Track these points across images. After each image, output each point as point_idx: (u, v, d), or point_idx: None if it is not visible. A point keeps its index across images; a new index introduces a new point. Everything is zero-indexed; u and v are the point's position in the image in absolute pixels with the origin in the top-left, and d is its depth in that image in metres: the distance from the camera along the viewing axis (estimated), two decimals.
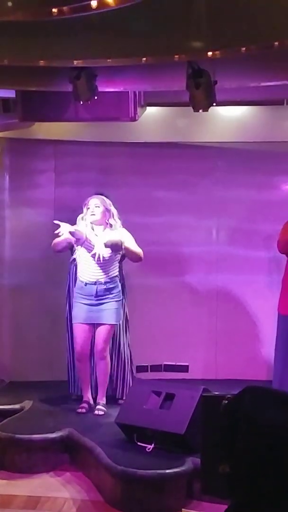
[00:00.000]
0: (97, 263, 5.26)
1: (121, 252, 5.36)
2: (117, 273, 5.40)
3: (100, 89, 4.48)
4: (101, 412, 5.25)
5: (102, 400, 5.35)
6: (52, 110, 5.13)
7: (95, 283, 5.26)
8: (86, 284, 5.28)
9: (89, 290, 5.28)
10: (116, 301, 5.35)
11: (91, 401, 5.37)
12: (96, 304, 5.27)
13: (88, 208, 5.36)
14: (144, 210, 6.17)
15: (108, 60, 3.80)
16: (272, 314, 5.47)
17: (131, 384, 5.49)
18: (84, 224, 5.33)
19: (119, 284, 5.40)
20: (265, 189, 6.27)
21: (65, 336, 5.78)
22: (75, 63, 3.93)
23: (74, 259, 5.50)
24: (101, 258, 5.21)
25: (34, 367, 6.20)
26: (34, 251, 6.16)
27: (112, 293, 5.33)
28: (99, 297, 5.27)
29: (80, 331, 5.31)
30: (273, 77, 4.33)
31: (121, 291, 5.42)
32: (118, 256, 5.40)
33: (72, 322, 5.42)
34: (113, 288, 5.33)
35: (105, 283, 5.28)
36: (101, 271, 5.27)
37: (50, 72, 4.30)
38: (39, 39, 3.73)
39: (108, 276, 5.30)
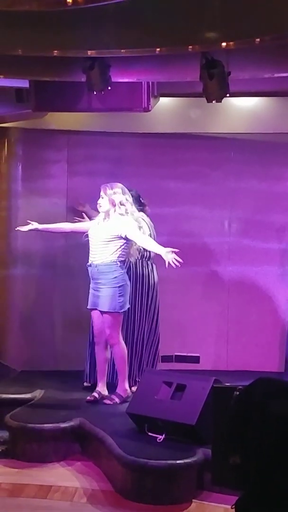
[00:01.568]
0: (95, 246, 5.32)
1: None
2: (116, 259, 5.27)
3: (114, 79, 4.47)
4: (110, 402, 5.25)
5: (102, 389, 5.36)
6: (66, 100, 5.13)
7: (93, 265, 5.31)
8: (88, 265, 5.35)
9: (90, 272, 5.35)
10: (111, 287, 5.26)
11: (104, 392, 5.37)
12: (96, 289, 5.32)
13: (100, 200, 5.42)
14: (156, 201, 6.16)
15: (122, 51, 3.81)
16: (284, 305, 5.46)
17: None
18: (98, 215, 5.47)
19: (120, 271, 5.28)
20: (277, 181, 6.25)
21: (79, 324, 5.83)
22: (89, 53, 3.94)
23: None
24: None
25: (46, 357, 6.23)
26: (47, 241, 6.17)
27: (106, 279, 5.27)
28: (94, 280, 5.31)
29: (94, 316, 5.38)
30: (287, 68, 4.31)
31: (122, 278, 5.29)
32: (122, 242, 5.29)
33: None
34: (108, 273, 5.26)
35: (97, 266, 5.28)
36: (96, 253, 5.31)
37: (64, 63, 4.31)
38: (53, 29, 3.74)
39: (103, 259, 5.27)
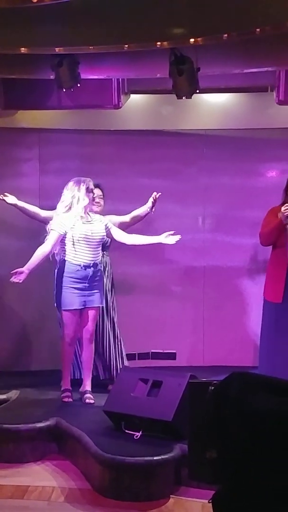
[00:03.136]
0: (91, 246, 5.24)
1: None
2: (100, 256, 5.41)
3: (83, 76, 4.47)
4: (92, 401, 5.24)
5: (89, 387, 5.36)
6: (35, 98, 5.11)
7: (90, 266, 5.23)
8: (83, 266, 5.22)
9: (84, 273, 5.23)
10: (102, 282, 5.38)
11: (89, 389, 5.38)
12: (87, 288, 5.24)
13: (91, 192, 5.30)
14: (130, 198, 6.14)
15: (90, 47, 3.80)
16: (258, 300, 5.49)
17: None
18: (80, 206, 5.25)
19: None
20: (250, 176, 6.28)
21: (54, 324, 5.80)
22: (56, 50, 3.92)
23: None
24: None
25: (20, 357, 6.19)
26: (19, 240, 6.13)
27: (99, 275, 5.34)
28: (92, 279, 5.26)
29: (71, 317, 5.26)
30: (256, 63, 4.34)
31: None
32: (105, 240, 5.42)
33: (62, 309, 5.31)
34: (100, 270, 5.36)
35: (98, 264, 5.29)
36: (95, 253, 5.27)
37: (32, 60, 4.29)
38: (19, 26, 3.72)
39: (99, 258, 5.32)
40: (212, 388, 2.98)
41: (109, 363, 5.71)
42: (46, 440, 4.81)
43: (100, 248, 5.33)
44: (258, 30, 3.37)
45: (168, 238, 5.30)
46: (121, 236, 5.38)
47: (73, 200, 5.24)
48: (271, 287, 5.29)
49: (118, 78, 5.14)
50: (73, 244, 5.20)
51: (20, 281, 5.02)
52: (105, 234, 5.32)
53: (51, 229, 5.20)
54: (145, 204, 5.52)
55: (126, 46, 3.66)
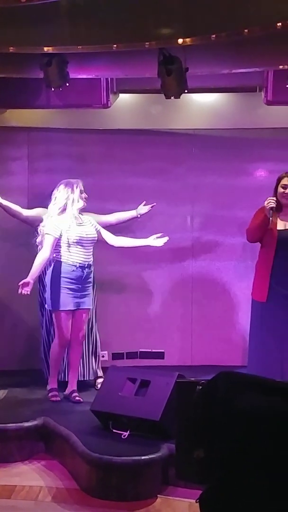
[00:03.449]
0: (85, 247, 5.25)
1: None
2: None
3: (72, 75, 4.46)
4: (80, 398, 5.25)
5: (75, 387, 5.36)
6: (24, 97, 5.11)
7: (85, 267, 5.25)
8: (78, 266, 5.22)
9: (79, 273, 5.23)
10: (92, 285, 5.39)
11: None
12: (80, 290, 5.25)
13: (86, 195, 5.33)
14: (119, 197, 6.16)
15: (79, 47, 3.80)
16: (247, 300, 5.50)
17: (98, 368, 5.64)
18: (75, 207, 5.26)
19: None
20: (239, 176, 6.29)
21: (37, 324, 5.79)
22: (45, 50, 3.92)
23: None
24: None
25: (7, 356, 6.17)
26: (7, 240, 6.12)
27: (91, 277, 5.36)
28: (84, 281, 5.26)
29: (65, 318, 5.25)
30: (244, 64, 4.35)
31: None
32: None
33: (59, 309, 5.28)
34: (92, 272, 5.37)
35: (91, 265, 5.32)
36: (88, 254, 5.29)
37: (21, 59, 4.28)
38: (8, 26, 3.71)
39: (91, 259, 5.33)
40: (200, 387, 2.99)
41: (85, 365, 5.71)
42: (34, 440, 4.81)
43: (92, 249, 5.35)
44: (246, 30, 3.38)
45: (156, 241, 5.40)
46: (109, 238, 5.42)
47: (67, 202, 5.25)
48: (257, 287, 5.32)
49: (107, 77, 5.14)
50: (69, 246, 5.21)
51: (28, 293, 4.99)
52: (96, 235, 5.34)
53: (46, 233, 5.19)
54: (134, 209, 5.60)
55: (115, 46, 3.66)
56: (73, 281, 5.21)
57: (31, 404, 5.24)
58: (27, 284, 4.95)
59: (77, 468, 4.41)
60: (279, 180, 5.21)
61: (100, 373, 5.73)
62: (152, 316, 6.35)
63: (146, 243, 5.42)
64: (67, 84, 4.45)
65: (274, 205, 5.04)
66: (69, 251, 5.21)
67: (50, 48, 3.88)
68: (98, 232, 5.37)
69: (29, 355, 6.13)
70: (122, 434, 4.50)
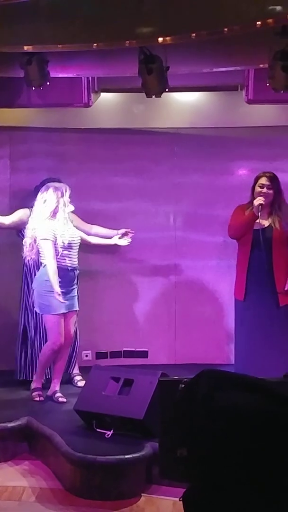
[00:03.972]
0: (74, 249, 5.29)
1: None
2: None
3: (53, 74, 4.45)
4: (64, 399, 5.24)
5: (58, 387, 5.35)
6: (4, 96, 5.08)
7: (75, 269, 5.30)
8: (69, 269, 5.25)
9: (71, 276, 5.27)
10: (77, 286, 5.40)
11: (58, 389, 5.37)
12: (69, 292, 5.25)
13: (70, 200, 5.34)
14: (101, 197, 6.15)
15: (59, 46, 3.78)
16: (231, 298, 5.53)
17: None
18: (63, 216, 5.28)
19: None
20: (221, 174, 6.30)
21: (15, 323, 5.77)
22: (25, 49, 3.90)
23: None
24: None
25: None
26: None
27: (77, 279, 5.38)
28: (71, 282, 5.28)
29: (58, 321, 5.22)
30: (225, 63, 4.36)
31: None
32: None
33: (47, 314, 5.26)
34: (78, 274, 5.39)
35: (76, 269, 5.34)
36: (76, 257, 5.33)
37: (1, 58, 4.26)
38: None
39: (77, 262, 5.36)
40: (183, 386, 2.99)
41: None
42: (17, 440, 4.80)
43: (78, 251, 5.37)
44: (226, 29, 3.39)
45: (122, 240, 5.59)
46: (85, 232, 5.57)
47: (58, 205, 5.24)
48: (236, 285, 5.38)
49: (88, 76, 5.13)
50: (63, 250, 5.21)
51: (67, 302, 5.17)
52: (80, 237, 5.39)
53: (44, 239, 5.19)
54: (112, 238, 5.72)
55: (95, 44, 3.66)
56: (64, 283, 5.22)
57: (14, 404, 5.22)
58: (58, 294, 5.09)
59: (60, 468, 4.41)
60: (256, 179, 5.27)
61: (76, 370, 5.73)
62: (135, 315, 6.35)
63: (113, 242, 5.69)
64: (48, 83, 4.44)
65: (263, 203, 5.12)
66: (62, 255, 5.22)
67: (30, 47, 3.87)
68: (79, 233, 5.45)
69: (6, 355, 6.09)
70: (105, 433, 4.50)
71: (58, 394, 5.29)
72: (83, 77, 5.06)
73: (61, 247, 5.21)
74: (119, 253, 6.15)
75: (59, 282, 5.18)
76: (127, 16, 3.56)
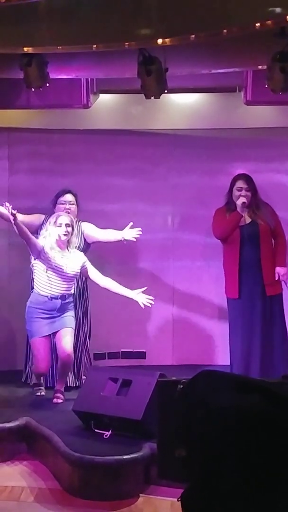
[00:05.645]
0: (64, 279, 5.18)
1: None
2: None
3: (52, 76, 4.46)
4: (60, 400, 5.24)
5: (61, 387, 5.35)
6: (4, 97, 5.09)
7: (58, 298, 5.19)
8: (51, 298, 5.17)
9: (53, 304, 5.19)
10: (73, 309, 5.35)
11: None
12: (57, 316, 5.21)
13: (59, 226, 5.18)
14: (99, 198, 6.16)
15: (59, 47, 3.80)
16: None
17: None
18: (49, 245, 5.17)
19: None
20: (218, 175, 6.30)
21: (20, 325, 5.77)
22: (25, 50, 3.91)
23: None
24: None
25: None
26: None
27: (71, 305, 5.32)
28: (61, 310, 5.21)
29: (42, 347, 5.19)
30: (224, 64, 4.38)
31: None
32: None
33: (31, 338, 5.26)
34: (72, 301, 5.34)
35: (69, 296, 5.26)
36: (66, 285, 5.22)
37: (0, 59, 4.26)
38: None
39: (71, 290, 5.29)
40: (181, 386, 3.00)
41: (78, 373, 5.71)
42: (16, 440, 4.80)
43: (73, 282, 5.29)
44: (225, 31, 3.41)
45: (139, 295, 5.32)
46: (96, 276, 5.36)
47: (46, 232, 5.23)
48: (228, 284, 5.43)
49: (87, 78, 5.14)
50: (45, 273, 5.14)
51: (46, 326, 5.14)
52: (79, 271, 5.28)
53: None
54: (121, 229, 5.57)
55: (95, 46, 3.67)
56: (46, 311, 5.18)
57: (13, 404, 5.23)
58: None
59: (59, 468, 4.41)
60: (233, 182, 5.40)
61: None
62: (133, 316, 6.34)
63: (131, 295, 5.32)
64: (47, 85, 4.45)
65: (246, 202, 5.36)
66: (45, 280, 5.15)
67: (29, 48, 3.88)
68: (84, 269, 5.30)
69: (7, 355, 6.10)
70: (104, 433, 4.51)
71: (57, 394, 5.29)
72: (82, 79, 5.07)
73: (43, 271, 5.12)
74: (117, 254, 6.15)
75: (39, 308, 5.16)
76: (126, 17, 3.58)
